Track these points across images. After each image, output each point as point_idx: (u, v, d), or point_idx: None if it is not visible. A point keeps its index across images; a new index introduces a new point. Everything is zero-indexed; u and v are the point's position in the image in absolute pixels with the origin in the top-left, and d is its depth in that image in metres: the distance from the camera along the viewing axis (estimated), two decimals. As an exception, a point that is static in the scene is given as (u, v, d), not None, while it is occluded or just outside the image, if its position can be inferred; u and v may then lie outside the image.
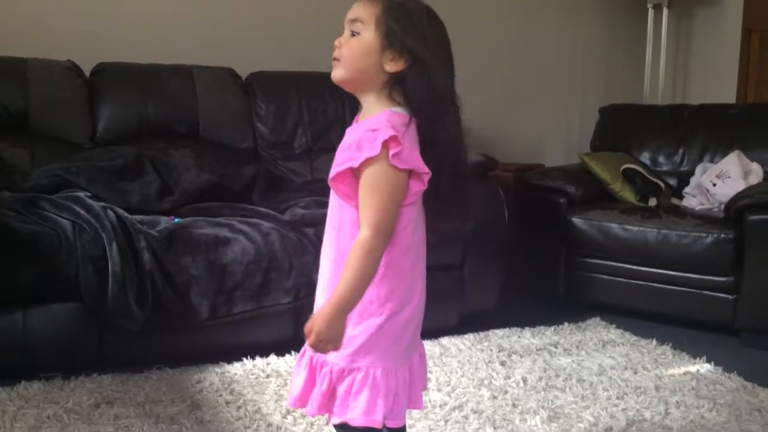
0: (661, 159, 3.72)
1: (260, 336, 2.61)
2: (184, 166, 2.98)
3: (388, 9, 1.29)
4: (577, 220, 3.25)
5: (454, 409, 2.18)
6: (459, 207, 1.38)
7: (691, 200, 3.33)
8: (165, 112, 3.22)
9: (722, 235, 2.91)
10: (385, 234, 1.24)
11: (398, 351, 1.34)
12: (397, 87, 1.30)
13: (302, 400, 1.37)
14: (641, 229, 3.09)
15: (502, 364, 2.61)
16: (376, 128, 1.24)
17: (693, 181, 3.41)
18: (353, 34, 1.31)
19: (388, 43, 1.28)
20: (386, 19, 1.29)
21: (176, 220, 2.60)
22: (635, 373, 2.56)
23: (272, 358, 2.57)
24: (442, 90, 1.30)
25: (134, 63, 3.26)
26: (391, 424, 1.33)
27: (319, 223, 2.67)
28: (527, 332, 2.98)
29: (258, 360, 2.55)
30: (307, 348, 1.34)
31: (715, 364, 2.64)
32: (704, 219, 3.05)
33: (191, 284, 2.45)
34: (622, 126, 3.88)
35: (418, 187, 1.27)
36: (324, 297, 1.34)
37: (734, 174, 3.18)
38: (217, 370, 2.48)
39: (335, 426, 1.35)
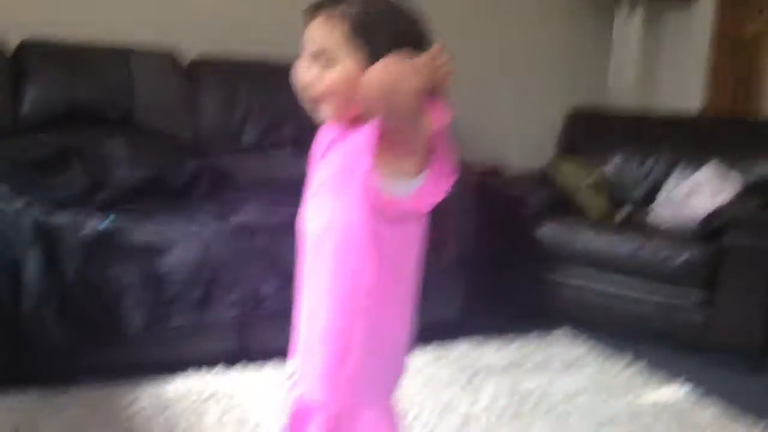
0: (628, 168, 3.55)
1: (201, 349, 2.34)
2: (116, 160, 2.65)
3: (354, 26, 1.10)
4: (540, 231, 3.06)
5: (419, 442, 1.97)
6: None
7: (662, 213, 3.17)
8: (97, 95, 2.88)
9: (696, 253, 2.77)
10: None
11: None
12: None
13: None
14: (612, 239, 2.93)
15: (467, 385, 2.40)
16: None
17: (664, 192, 3.25)
18: (325, 65, 1.12)
19: (376, 60, 1.08)
20: (357, 38, 1.11)
21: (110, 217, 2.27)
22: (607, 397, 2.39)
23: (214, 375, 2.30)
24: None
25: (64, 40, 2.92)
26: None
27: (269, 231, 2.44)
28: (491, 346, 2.77)
29: (197, 378, 2.28)
30: None
31: (693, 385, 2.48)
32: (678, 236, 2.89)
33: (123, 294, 2.16)
34: (588, 132, 3.72)
35: None
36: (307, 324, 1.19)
37: (709, 187, 3.04)
38: (152, 390, 2.20)
39: None
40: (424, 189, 1.10)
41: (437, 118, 1.07)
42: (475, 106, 3.96)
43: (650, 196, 3.40)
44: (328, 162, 1.17)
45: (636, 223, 3.07)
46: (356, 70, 1.10)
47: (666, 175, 3.37)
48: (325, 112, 1.15)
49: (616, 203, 3.20)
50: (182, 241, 2.29)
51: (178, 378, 2.25)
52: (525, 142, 4.08)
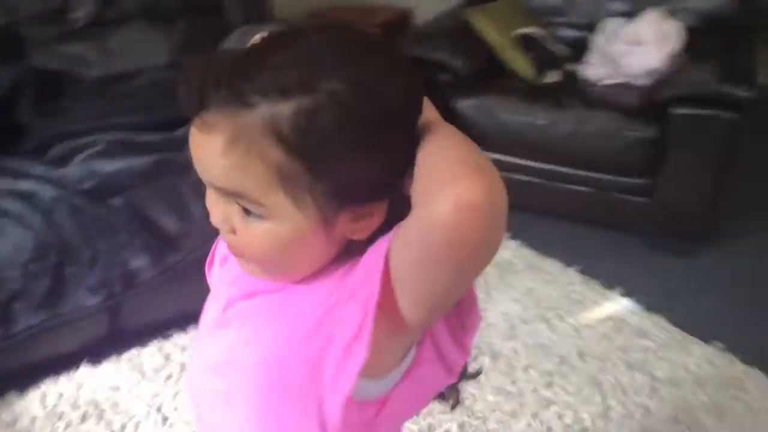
0: (554, 1, 3.02)
1: (62, 349, 1.85)
2: None
3: (300, 150, 0.58)
4: (464, 105, 2.59)
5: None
6: None
7: (596, 69, 2.71)
8: None
9: (640, 134, 2.39)
10: None
11: None
12: None
13: None
14: (544, 122, 2.49)
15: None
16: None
17: (597, 45, 2.76)
18: (247, 212, 0.62)
19: (337, 208, 0.62)
20: (304, 170, 0.59)
21: None
22: (548, 324, 2.13)
23: (82, 374, 1.85)
24: None
25: None
26: None
27: (130, 186, 1.85)
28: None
29: (63, 383, 1.82)
30: None
31: (632, 295, 2.25)
32: (619, 111, 2.47)
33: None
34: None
35: None
36: None
37: (649, 39, 2.59)
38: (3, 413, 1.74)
39: None
40: (407, 386, 0.71)
41: None
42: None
43: (578, 39, 2.92)
44: (245, 325, 0.71)
45: (567, 86, 2.63)
46: (305, 228, 0.62)
47: (597, 12, 2.87)
48: (255, 272, 0.68)
49: (548, 65, 2.70)
50: (11, 221, 1.69)
51: (36, 390, 1.79)
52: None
